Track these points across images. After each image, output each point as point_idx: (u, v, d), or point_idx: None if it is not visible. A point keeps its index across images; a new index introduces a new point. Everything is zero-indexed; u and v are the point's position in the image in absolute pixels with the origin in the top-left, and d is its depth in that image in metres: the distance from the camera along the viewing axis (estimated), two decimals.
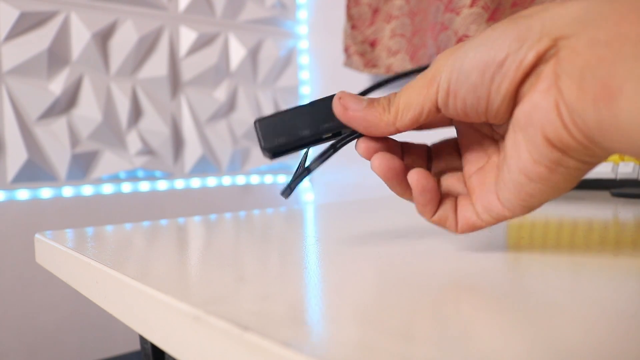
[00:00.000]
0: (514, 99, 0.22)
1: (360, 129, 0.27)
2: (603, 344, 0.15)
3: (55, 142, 0.94)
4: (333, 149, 0.28)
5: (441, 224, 0.27)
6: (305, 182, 1.38)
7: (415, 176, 0.26)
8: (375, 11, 1.05)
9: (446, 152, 0.29)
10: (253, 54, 1.23)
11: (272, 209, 0.56)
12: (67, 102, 0.96)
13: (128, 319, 0.25)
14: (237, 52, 1.20)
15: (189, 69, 1.13)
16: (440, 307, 0.19)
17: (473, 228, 0.26)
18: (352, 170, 1.25)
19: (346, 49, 1.09)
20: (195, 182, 1.17)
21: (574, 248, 0.30)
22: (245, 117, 1.22)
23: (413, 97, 0.24)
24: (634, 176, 0.65)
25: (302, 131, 0.28)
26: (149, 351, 0.39)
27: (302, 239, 0.36)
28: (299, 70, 1.34)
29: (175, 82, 1.11)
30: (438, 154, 0.29)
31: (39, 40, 0.92)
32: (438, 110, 0.24)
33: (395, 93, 0.26)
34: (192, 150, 1.14)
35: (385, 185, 0.28)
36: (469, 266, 0.26)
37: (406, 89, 0.25)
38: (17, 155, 0.90)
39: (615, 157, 0.68)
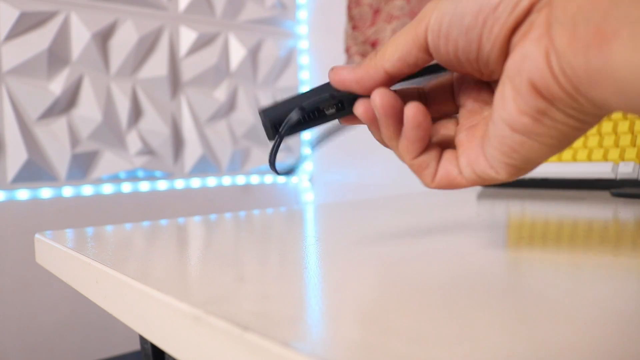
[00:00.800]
0: (506, 47, 0.22)
1: (352, 84, 0.26)
2: (603, 344, 0.15)
3: (55, 142, 0.94)
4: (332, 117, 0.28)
5: (420, 170, 0.26)
6: (306, 183, 1.38)
7: (413, 109, 0.25)
8: (376, 12, 1.05)
9: (443, 98, 0.28)
10: (253, 54, 1.23)
11: (272, 209, 0.56)
12: (67, 102, 0.96)
13: (128, 319, 0.25)
14: (237, 52, 1.20)
15: (189, 69, 1.13)
16: (440, 306, 0.19)
17: (450, 184, 0.25)
18: (352, 170, 1.25)
19: (347, 50, 1.09)
20: (195, 182, 1.17)
21: (574, 248, 0.30)
22: (245, 117, 1.22)
23: (400, 38, 0.24)
24: (634, 176, 0.65)
25: (300, 104, 0.28)
26: (149, 351, 0.39)
27: (302, 239, 0.36)
28: (299, 70, 1.34)
29: (175, 82, 1.11)
30: (434, 99, 0.29)
31: (39, 40, 0.92)
32: (428, 54, 0.24)
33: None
34: (192, 150, 1.14)
35: (370, 130, 0.27)
36: (469, 266, 0.26)
37: (393, 36, 0.25)
38: (17, 155, 0.90)
39: (615, 156, 0.68)
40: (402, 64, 0.25)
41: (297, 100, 0.28)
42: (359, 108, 0.26)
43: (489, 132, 0.23)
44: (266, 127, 0.28)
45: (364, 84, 0.26)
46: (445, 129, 0.28)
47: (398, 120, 0.26)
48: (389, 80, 0.26)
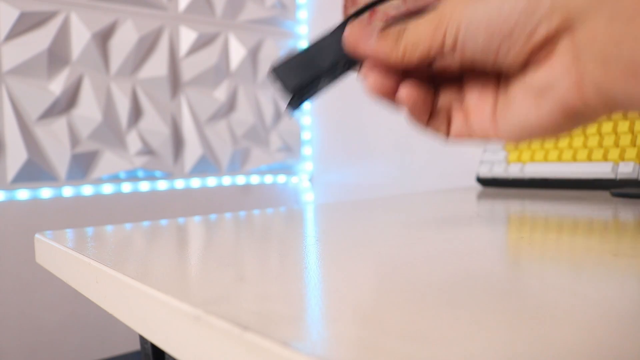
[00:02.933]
0: (525, 62, 0.22)
1: (368, 56, 0.27)
2: (603, 344, 0.15)
3: (55, 142, 0.94)
4: (342, 69, 0.29)
5: (433, 131, 0.28)
6: (306, 183, 1.38)
7: (405, 92, 0.27)
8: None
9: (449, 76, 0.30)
10: (253, 54, 1.23)
11: (272, 209, 0.56)
12: (67, 102, 0.96)
13: (128, 319, 0.25)
14: (237, 52, 1.20)
15: (189, 69, 1.13)
16: (439, 306, 0.19)
17: (464, 139, 0.28)
18: (352, 170, 1.25)
19: None
20: (195, 182, 1.17)
21: (573, 248, 0.30)
22: (245, 117, 1.22)
23: (421, 38, 0.25)
24: (634, 176, 0.65)
25: (317, 66, 0.29)
26: (149, 351, 0.39)
27: (302, 239, 0.36)
28: None
29: (175, 82, 1.11)
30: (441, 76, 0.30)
31: (39, 40, 0.92)
32: (445, 54, 0.25)
33: (404, 27, 0.26)
34: (192, 150, 1.14)
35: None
36: (469, 266, 0.26)
37: (414, 27, 0.25)
38: (17, 155, 0.90)
39: (615, 156, 0.68)
40: (421, 61, 0.26)
41: (307, 53, 0.28)
42: (370, 81, 0.27)
43: (505, 117, 0.25)
44: (283, 88, 0.29)
45: (378, 61, 0.27)
46: (449, 90, 0.29)
47: (393, 99, 0.28)
48: (404, 67, 0.27)
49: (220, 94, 1.18)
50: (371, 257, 0.29)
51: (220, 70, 1.18)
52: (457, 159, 0.98)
